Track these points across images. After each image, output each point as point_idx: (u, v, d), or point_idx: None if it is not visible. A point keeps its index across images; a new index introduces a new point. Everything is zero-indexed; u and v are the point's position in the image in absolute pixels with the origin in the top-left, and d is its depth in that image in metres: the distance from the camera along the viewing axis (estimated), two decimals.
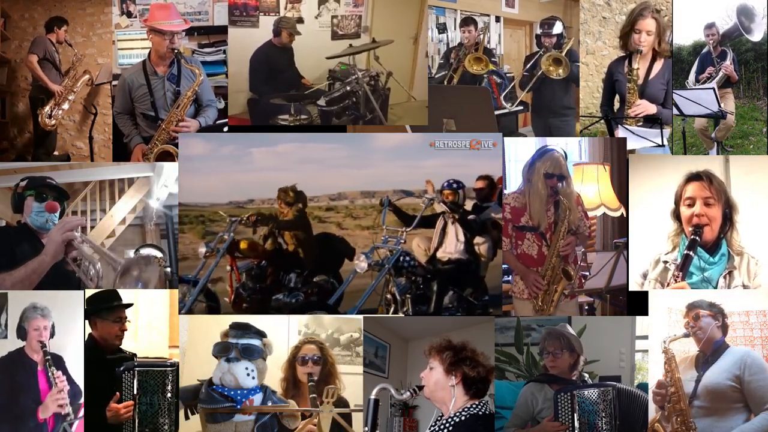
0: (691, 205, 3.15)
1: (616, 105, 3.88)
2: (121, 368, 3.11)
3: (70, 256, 2.94)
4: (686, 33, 3.85)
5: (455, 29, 4.41)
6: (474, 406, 2.53)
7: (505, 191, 3.51)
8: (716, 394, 3.04)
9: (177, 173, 3.53)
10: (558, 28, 4.08)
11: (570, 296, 3.44)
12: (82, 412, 3.16)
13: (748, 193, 3.28)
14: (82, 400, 3.17)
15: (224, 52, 4.01)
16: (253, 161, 3.54)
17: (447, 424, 2.51)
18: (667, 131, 3.70)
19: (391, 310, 3.43)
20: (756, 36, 3.81)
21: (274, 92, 3.92)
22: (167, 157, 3.73)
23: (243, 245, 3.57)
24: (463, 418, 2.50)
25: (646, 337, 3.30)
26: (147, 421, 3.09)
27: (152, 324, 3.42)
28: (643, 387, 3.23)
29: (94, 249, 2.95)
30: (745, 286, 3.13)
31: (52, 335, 3.20)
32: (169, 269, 3.75)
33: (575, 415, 3.03)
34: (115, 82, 3.99)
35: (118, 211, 4.06)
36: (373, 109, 3.88)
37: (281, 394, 3.11)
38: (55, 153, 4.14)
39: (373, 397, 2.56)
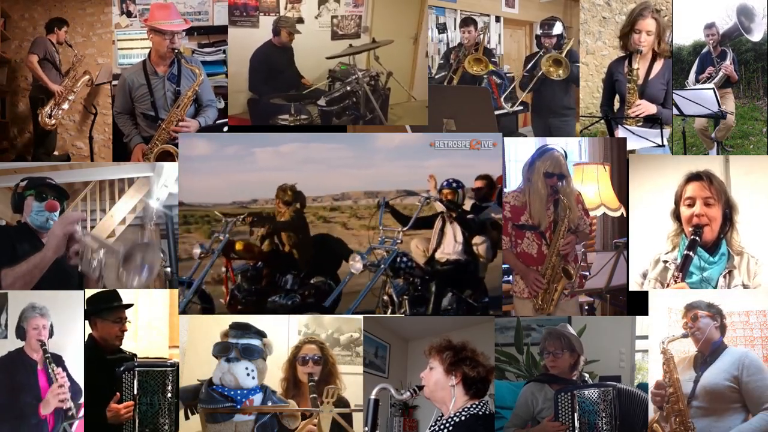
0: (691, 205, 3.15)
1: (616, 105, 3.88)
2: (121, 368, 3.11)
3: (72, 250, 2.93)
4: (686, 33, 3.85)
5: (455, 29, 4.41)
6: (474, 406, 2.53)
7: (505, 190, 3.51)
8: (714, 394, 3.04)
9: (177, 173, 3.52)
10: (558, 28, 4.08)
11: (570, 295, 3.44)
12: (82, 412, 3.16)
13: (748, 193, 3.28)
14: (82, 400, 3.18)
15: (224, 51, 4.01)
16: (256, 161, 3.54)
17: (447, 424, 2.51)
18: (667, 131, 3.70)
19: (389, 311, 3.42)
20: (756, 36, 3.81)
21: (274, 92, 3.92)
22: (167, 157, 3.73)
23: (239, 246, 3.56)
24: (463, 418, 2.50)
25: (646, 337, 3.30)
26: (147, 421, 3.09)
27: (152, 324, 3.42)
28: (643, 387, 3.23)
29: (95, 241, 2.95)
30: (745, 286, 3.13)
31: (50, 335, 3.20)
32: (169, 269, 3.75)
33: (575, 415, 3.03)
34: (115, 82, 4.00)
35: (118, 211, 4.06)
36: (373, 109, 3.88)
37: (281, 394, 3.11)
38: (55, 153, 4.14)
39: (373, 397, 2.56)
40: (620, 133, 3.75)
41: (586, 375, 3.22)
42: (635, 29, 3.73)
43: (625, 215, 3.52)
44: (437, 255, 3.60)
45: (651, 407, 3.16)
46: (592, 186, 3.73)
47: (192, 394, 3.03)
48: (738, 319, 3.20)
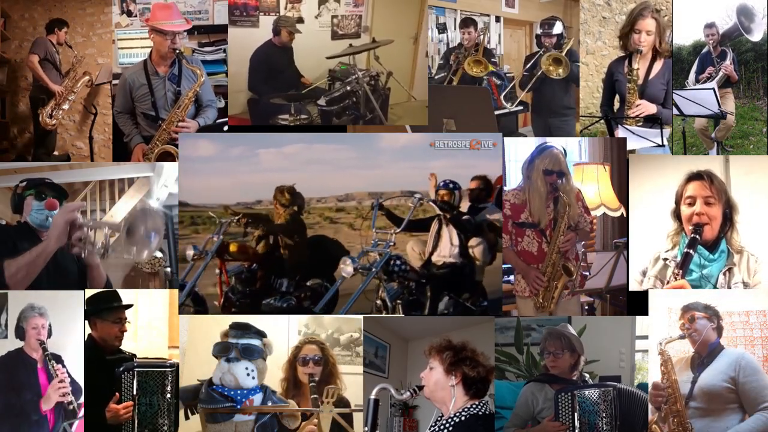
0: (691, 204, 3.15)
1: (616, 105, 3.88)
2: (121, 369, 3.11)
3: (75, 237, 2.94)
4: (686, 33, 3.85)
5: (455, 29, 4.41)
6: (474, 406, 2.53)
7: (505, 189, 3.50)
8: (712, 395, 3.05)
9: (177, 173, 3.51)
10: (558, 28, 4.08)
11: (572, 294, 3.43)
12: (82, 412, 3.16)
13: (748, 193, 3.28)
14: (81, 400, 3.18)
15: (224, 51, 4.00)
16: (260, 162, 3.53)
17: (447, 425, 2.51)
18: (667, 131, 3.70)
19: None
20: (756, 36, 3.81)
21: (274, 92, 3.92)
22: (167, 157, 3.73)
23: (233, 248, 3.53)
24: (463, 418, 2.50)
25: (646, 337, 3.30)
26: (146, 421, 3.09)
27: (152, 324, 3.42)
28: (643, 387, 3.23)
29: (96, 222, 2.96)
30: (745, 284, 3.13)
31: (49, 335, 3.20)
32: (169, 269, 3.75)
33: (576, 415, 3.03)
34: (115, 82, 3.99)
35: (118, 211, 4.06)
36: (373, 109, 3.88)
37: (281, 394, 3.11)
38: (55, 153, 4.14)
39: (373, 397, 2.56)
40: (620, 133, 3.75)
41: (587, 375, 3.22)
42: (635, 29, 3.73)
43: (625, 215, 3.52)
44: (434, 258, 3.56)
45: (651, 408, 3.16)
46: (592, 186, 3.73)
47: (192, 394, 3.02)
48: (738, 319, 3.20)
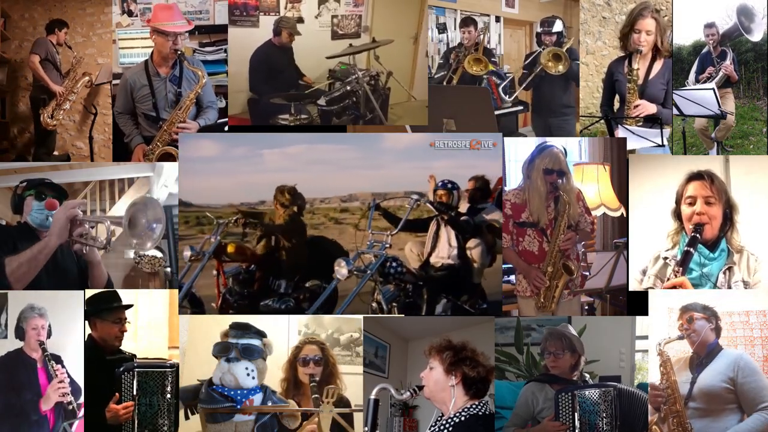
0: (692, 204, 3.15)
1: (616, 105, 3.88)
2: (121, 369, 3.11)
3: (76, 233, 2.95)
4: (686, 33, 3.85)
5: (455, 29, 4.41)
6: (474, 406, 2.53)
7: (506, 189, 3.50)
8: (711, 395, 3.05)
9: (178, 174, 3.50)
10: (558, 26, 4.08)
11: (573, 294, 3.43)
12: (81, 413, 3.16)
13: (748, 193, 3.28)
14: (81, 400, 3.18)
15: (225, 51, 4.00)
16: (264, 162, 3.52)
17: (447, 424, 2.51)
18: (667, 131, 3.70)
19: None
20: (756, 36, 3.81)
21: (274, 92, 3.92)
22: (168, 159, 3.72)
23: (230, 249, 3.50)
24: (463, 418, 2.50)
25: (646, 337, 3.30)
26: (146, 422, 3.09)
27: (152, 325, 3.42)
28: (643, 387, 3.23)
29: (97, 218, 2.97)
30: (745, 282, 3.14)
31: (49, 335, 3.20)
32: (169, 269, 3.75)
33: (576, 415, 3.03)
34: (116, 82, 3.99)
35: (118, 211, 4.06)
36: (373, 109, 3.88)
37: (281, 394, 3.11)
38: (55, 153, 4.15)
39: (373, 397, 2.56)
40: (620, 133, 3.75)
41: (587, 375, 3.22)
42: (635, 29, 3.73)
43: (625, 215, 3.52)
44: (432, 259, 3.54)
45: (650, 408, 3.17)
46: (592, 186, 3.73)
47: (192, 394, 3.02)
48: (738, 319, 3.20)
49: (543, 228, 3.39)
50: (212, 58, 4.06)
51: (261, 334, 3.06)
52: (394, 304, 3.35)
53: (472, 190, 3.58)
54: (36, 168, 3.82)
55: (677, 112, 3.78)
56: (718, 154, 3.85)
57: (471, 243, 3.49)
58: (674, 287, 3.12)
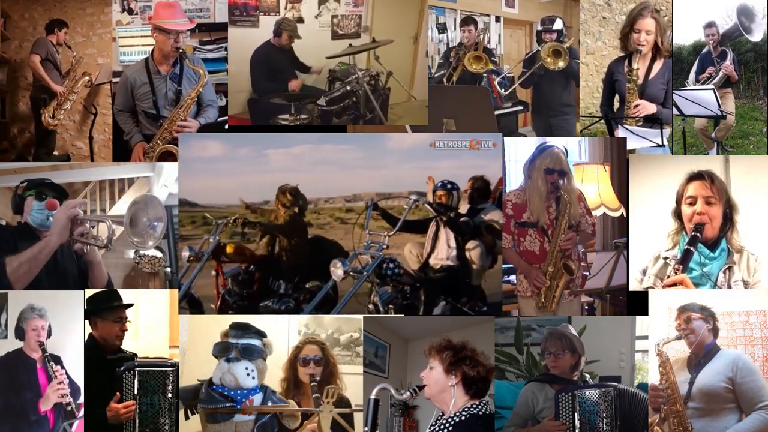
0: (692, 204, 3.16)
1: (616, 105, 3.88)
2: (122, 368, 3.11)
3: (77, 232, 2.96)
4: (686, 33, 3.85)
5: (455, 29, 4.41)
6: (474, 406, 2.53)
7: (507, 189, 3.49)
8: (711, 395, 3.06)
9: (180, 174, 3.50)
10: (558, 24, 4.08)
11: (573, 295, 3.43)
12: (81, 412, 3.16)
13: (748, 193, 3.29)
14: (81, 400, 3.18)
15: (225, 49, 4.00)
16: (268, 162, 3.52)
17: (447, 424, 2.51)
18: (667, 131, 3.70)
19: None
20: (756, 36, 3.81)
21: (273, 92, 3.92)
22: (169, 156, 3.72)
23: (229, 249, 3.50)
24: (463, 417, 2.50)
25: (646, 337, 3.30)
26: (147, 421, 3.09)
27: (152, 324, 3.42)
28: (643, 387, 3.24)
29: (98, 217, 2.98)
30: (745, 282, 3.14)
31: (49, 335, 3.20)
32: (169, 269, 3.75)
33: (576, 415, 3.03)
34: (116, 80, 3.98)
35: (118, 211, 4.06)
36: (373, 109, 3.88)
37: (281, 394, 3.11)
38: (55, 153, 4.15)
39: (373, 397, 2.56)
40: (620, 133, 3.75)
41: (587, 375, 3.22)
42: (635, 29, 3.74)
43: (625, 215, 3.52)
44: (431, 261, 3.53)
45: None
46: (592, 186, 3.73)
47: (192, 394, 3.02)
48: (738, 319, 3.20)
49: (544, 228, 3.39)
50: (212, 57, 4.05)
51: (261, 334, 3.06)
52: (390, 306, 3.31)
53: (471, 190, 3.58)
54: (36, 168, 3.82)
55: (677, 112, 3.78)
56: (718, 154, 3.85)
57: (470, 245, 3.48)
58: (674, 285, 3.12)
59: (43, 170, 3.79)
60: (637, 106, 3.75)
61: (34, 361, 3.17)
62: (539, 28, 4.16)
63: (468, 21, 4.33)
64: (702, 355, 3.12)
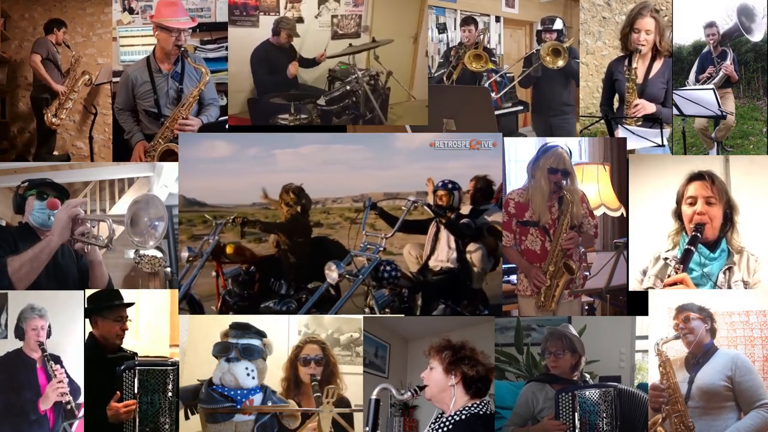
0: (692, 204, 3.16)
1: (616, 104, 3.88)
2: (122, 367, 3.11)
3: (78, 232, 2.96)
4: (686, 33, 3.85)
5: (455, 29, 4.41)
6: (474, 405, 2.53)
7: (509, 188, 3.48)
8: (711, 394, 3.07)
9: (186, 173, 3.49)
10: (558, 24, 4.08)
11: (573, 296, 3.43)
12: (81, 412, 3.16)
13: (748, 193, 3.29)
14: (81, 400, 3.17)
15: (226, 48, 3.99)
16: (276, 162, 3.51)
17: (447, 422, 2.51)
18: (667, 131, 3.70)
19: None
20: (756, 36, 3.81)
21: (275, 88, 3.91)
22: (171, 155, 3.72)
23: (229, 249, 3.48)
24: (463, 417, 2.50)
25: (646, 337, 3.30)
26: (148, 420, 3.10)
27: (153, 323, 3.42)
28: (643, 387, 3.24)
29: (99, 217, 2.97)
30: (745, 282, 3.14)
31: (48, 335, 3.20)
32: (169, 269, 3.75)
33: (576, 415, 3.03)
34: (116, 79, 3.98)
35: (118, 211, 4.06)
36: (373, 109, 3.88)
37: (282, 393, 3.11)
38: (55, 153, 4.15)
39: (374, 397, 2.56)
40: (620, 133, 3.75)
41: (587, 375, 3.22)
42: (634, 28, 3.74)
43: (625, 215, 3.52)
44: (431, 263, 3.49)
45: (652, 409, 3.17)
46: (592, 186, 3.73)
47: (192, 394, 3.02)
48: (738, 319, 3.20)
49: (545, 227, 3.38)
50: (213, 56, 4.05)
51: (261, 334, 3.06)
52: (386, 310, 3.27)
53: (473, 190, 3.55)
54: (36, 168, 3.82)
55: (677, 112, 3.78)
56: (718, 154, 3.85)
57: (471, 247, 3.44)
58: (675, 284, 3.12)
59: (43, 170, 3.79)
60: (636, 105, 3.75)
61: (33, 361, 3.17)
62: (539, 28, 4.16)
63: (468, 21, 4.33)
64: (700, 354, 3.13)
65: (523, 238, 3.43)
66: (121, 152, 3.88)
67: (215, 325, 3.16)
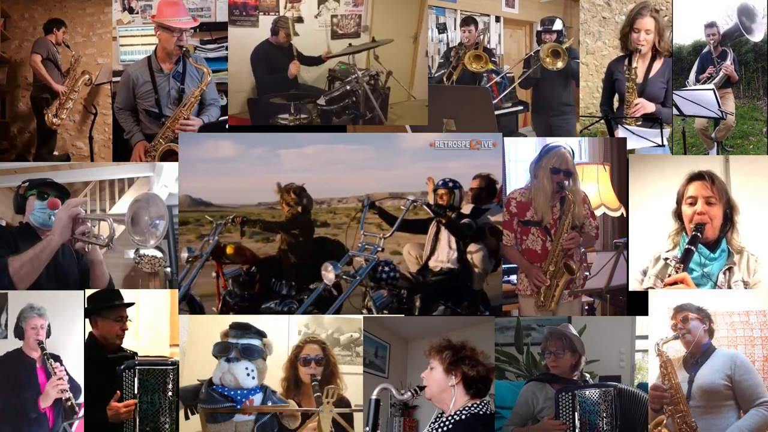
0: (693, 204, 3.17)
1: (616, 104, 3.88)
2: (122, 367, 3.11)
3: (78, 231, 2.96)
4: (686, 32, 3.85)
5: (455, 29, 4.41)
6: (474, 405, 2.53)
7: (512, 188, 3.48)
8: (711, 393, 3.08)
9: (179, 173, 3.49)
10: (558, 25, 4.08)
11: (573, 296, 3.43)
12: (81, 413, 3.16)
13: (748, 193, 3.29)
14: (81, 399, 3.17)
15: (226, 48, 3.99)
16: (281, 162, 3.51)
17: (447, 422, 2.51)
18: (667, 131, 3.70)
19: None
20: (756, 36, 3.81)
21: (276, 87, 3.91)
22: (171, 155, 3.72)
23: (229, 250, 3.46)
24: (463, 416, 2.50)
25: (646, 337, 3.30)
26: (148, 419, 3.10)
27: (153, 323, 3.42)
28: (643, 387, 3.24)
29: (99, 216, 2.97)
30: (744, 282, 3.15)
31: (48, 335, 3.20)
32: (169, 269, 3.75)
33: (576, 415, 3.03)
34: (116, 79, 3.98)
35: (118, 211, 4.06)
36: (373, 109, 3.87)
37: (282, 393, 3.11)
38: (55, 153, 4.14)
39: (374, 397, 2.56)
40: (620, 133, 3.75)
41: (587, 375, 3.22)
42: (634, 28, 3.74)
43: (625, 215, 3.52)
44: (431, 263, 3.47)
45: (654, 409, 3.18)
46: (592, 186, 3.73)
47: (192, 394, 3.03)
48: (738, 319, 3.21)
49: (547, 227, 3.38)
50: (213, 56, 4.05)
51: (261, 334, 3.06)
52: (385, 311, 3.24)
53: (477, 189, 3.51)
54: (36, 168, 3.82)
55: (677, 112, 3.78)
56: (718, 154, 3.85)
57: (472, 247, 3.42)
58: (675, 283, 3.12)
59: (43, 170, 3.79)
60: (636, 104, 3.75)
61: (33, 360, 3.17)
62: (539, 28, 4.16)
63: (468, 21, 4.33)
64: (699, 354, 3.14)
65: (524, 237, 3.43)
66: (121, 152, 3.88)
67: (215, 325, 3.16)
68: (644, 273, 3.33)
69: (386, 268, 3.21)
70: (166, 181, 3.79)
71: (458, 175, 3.51)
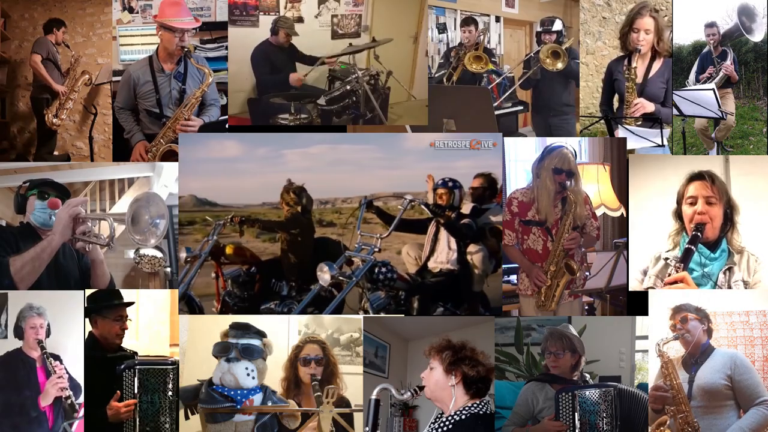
0: (693, 204, 3.17)
1: (615, 104, 3.88)
2: (122, 367, 3.11)
3: (79, 231, 2.97)
4: (686, 32, 3.85)
5: (455, 29, 4.41)
6: (474, 405, 2.53)
7: (514, 187, 3.47)
8: (712, 393, 3.08)
9: (178, 173, 3.49)
10: (558, 25, 4.08)
11: (574, 296, 3.43)
12: (81, 413, 3.16)
13: (748, 193, 3.29)
14: (81, 399, 3.18)
15: (227, 48, 3.99)
16: (285, 163, 3.50)
17: (447, 422, 2.51)
18: (667, 131, 3.70)
19: None
20: (757, 36, 3.81)
21: (277, 86, 3.91)
22: (172, 156, 3.72)
23: (229, 250, 3.45)
24: (463, 416, 2.50)
25: (646, 337, 3.30)
26: (148, 419, 3.10)
27: (153, 323, 3.42)
28: (643, 387, 3.24)
29: (100, 216, 2.97)
30: (745, 282, 3.15)
31: (48, 334, 3.20)
32: (169, 269, 3.75)
33: (576, 415, 3.03)
34: (116, 79, 3.98)
35: (118, 211, 4.05)
36: (373, 108, 3.88)
37: (282, 393, 3.11)
38: (55, 153, 4.15)
39: (374, 397, 2.56)
40: (620, 133, 3.75)
41: (587, 375, 3.22)
42: (634, 28, 3.74)
43: (625, 215, 3.52)
44: (430, 264, 3.46)
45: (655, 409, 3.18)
46: (592, 186, 3.73)
47: (192, 394, 3.02)
48: (738, 319, 3.21)
49: (548, 227, 3.38)
50: (213, 55, 4.05)
51: (261, 334, 3.06)
52: (381, 313, 3.22)
53: (478, 188, 3.49)
54: (36, 168, 3.82)
55: (677, 113, 3.78)
56: (718, 154, 3.85)
57: (472, 248, 3.40)
58: (676, 282, 3.12)
59: (43, 170, 3.79)
60: (636, 104, 3.75)
61: (33, 360, 3.17)
62: (539, 29, 4.16)
63: (468, 21, 4.33)
64: (698, 354, 3.14)
65: (525, 237, 3.43)
66: (121, 152, 3.88)
67: (215, 325, 3.16)
68: (644, 273, 3.33)
69: (383, 269, 3.17)
70: (166, 181, 3.78)
71: (458, 175, 3.50)
